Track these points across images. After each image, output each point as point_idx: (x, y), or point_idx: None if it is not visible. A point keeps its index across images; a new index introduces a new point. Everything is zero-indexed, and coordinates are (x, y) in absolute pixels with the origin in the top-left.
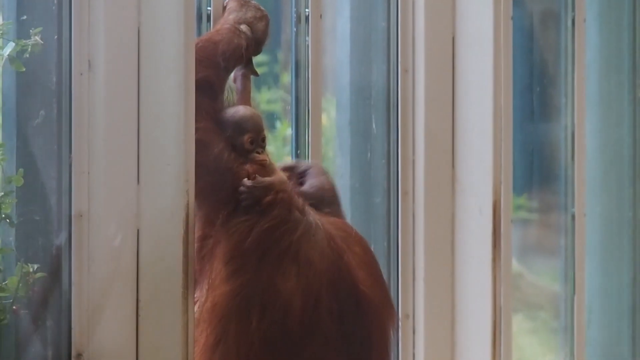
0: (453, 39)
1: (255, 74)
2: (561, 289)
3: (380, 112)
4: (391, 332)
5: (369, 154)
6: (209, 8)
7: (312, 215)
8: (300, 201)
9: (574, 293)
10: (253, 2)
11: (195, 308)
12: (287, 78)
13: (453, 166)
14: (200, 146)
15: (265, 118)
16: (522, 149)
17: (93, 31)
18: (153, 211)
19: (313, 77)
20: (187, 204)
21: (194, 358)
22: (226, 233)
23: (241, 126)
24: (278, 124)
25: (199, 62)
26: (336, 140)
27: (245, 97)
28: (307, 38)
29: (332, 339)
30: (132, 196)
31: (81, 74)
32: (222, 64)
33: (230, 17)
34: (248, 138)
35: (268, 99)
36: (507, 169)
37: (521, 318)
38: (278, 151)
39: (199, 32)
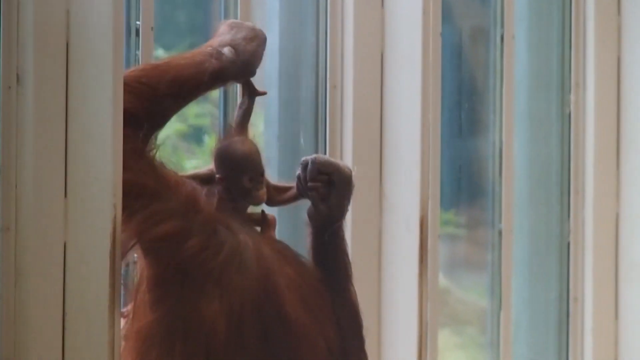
0: (382, 54)
1: (257, 93)
2: (488, 304)
3: (309, 127)
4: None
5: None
6: (137, 22)
7: (244, 233)
8: (227, 218)
9: (500, 308)
10: (247, 23)
11: (123, 322)
12: (215, 92)
13: (380, 182)
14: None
15: (194, 132)
16: (450, 165)
17: (21, 43)
18: (80, 225)
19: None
20: (115, 218)
21: None
22: (150, 259)
23: (240, 166)
24: (206, 138)
25: (129, 91)
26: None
27: (244, 120)
28: None
29: None
30: (60, 209)
31: (9, 88)
32: (163, 91)
33: (215, 40)
34: (248, 178)
35: (196, 113)
36: (434, 184)
37: (448, 333)
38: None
39: (127, 47)
